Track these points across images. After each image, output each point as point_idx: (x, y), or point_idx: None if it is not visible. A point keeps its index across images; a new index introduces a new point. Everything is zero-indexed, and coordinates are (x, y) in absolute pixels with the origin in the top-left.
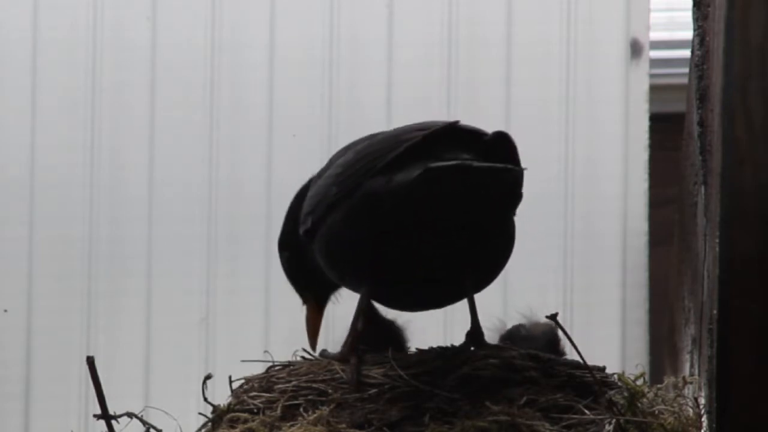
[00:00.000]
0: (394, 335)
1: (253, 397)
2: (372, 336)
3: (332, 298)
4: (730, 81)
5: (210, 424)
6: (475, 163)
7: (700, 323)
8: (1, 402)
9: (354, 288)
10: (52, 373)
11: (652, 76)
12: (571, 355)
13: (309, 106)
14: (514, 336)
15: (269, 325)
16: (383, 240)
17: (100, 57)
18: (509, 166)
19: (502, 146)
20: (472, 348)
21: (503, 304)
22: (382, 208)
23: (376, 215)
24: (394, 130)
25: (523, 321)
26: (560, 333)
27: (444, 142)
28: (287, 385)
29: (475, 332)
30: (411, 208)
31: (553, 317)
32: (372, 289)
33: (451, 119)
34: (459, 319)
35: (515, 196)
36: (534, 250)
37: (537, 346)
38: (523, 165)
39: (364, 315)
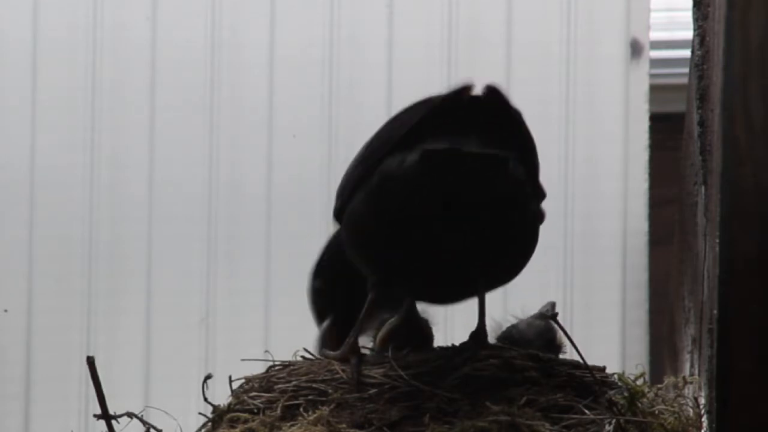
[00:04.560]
0: (426, 334)
1: (253, 397)
2: (405, 333)
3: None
4: (730, 81)
5: (210, 424)
6: (464, 148)
7: (700, 323)
8: (1, 402)
9: (367, 273)
10: (52, 373)
11: (652, 76)
12: (570, 354)
13: (309, 106)
14: (509, 338)
15: (269, 325)
16: (397, 225)
17: (100, 57)
18: (496, 152)
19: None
20: (474, 348)
21: (503, 304)
22: (395, 189)
23: (390, 197)
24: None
25: (515, 322)
26: (559, 332)
27: (453, 113)
28: (287, 385)
29: (479, 333)
30: (419, 189)
31: (553, 317)
32: (381, 286)
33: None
34: (459, 319)
35: (509, 183)
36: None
37: (533, 347)
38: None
39: (401, 313)
